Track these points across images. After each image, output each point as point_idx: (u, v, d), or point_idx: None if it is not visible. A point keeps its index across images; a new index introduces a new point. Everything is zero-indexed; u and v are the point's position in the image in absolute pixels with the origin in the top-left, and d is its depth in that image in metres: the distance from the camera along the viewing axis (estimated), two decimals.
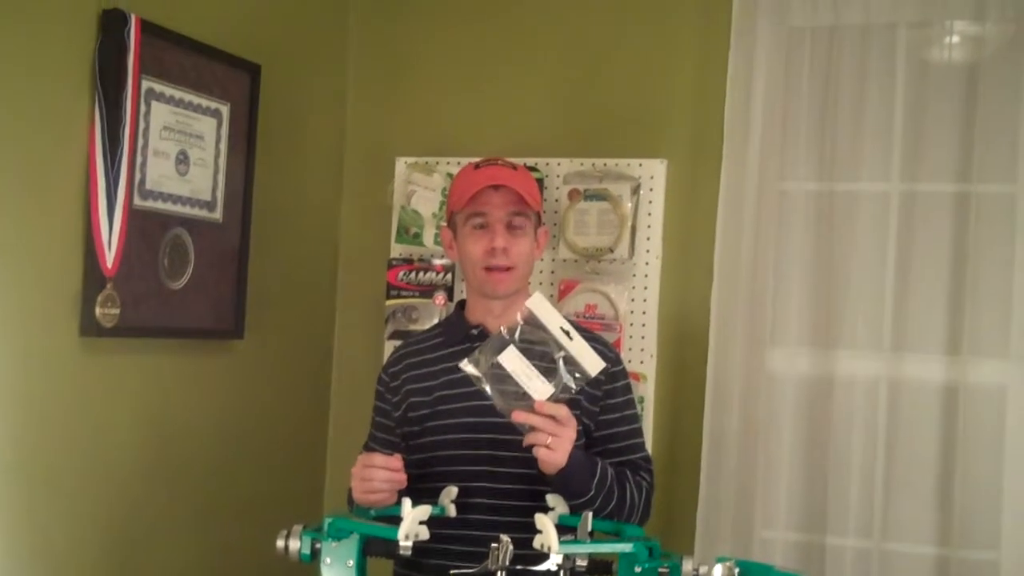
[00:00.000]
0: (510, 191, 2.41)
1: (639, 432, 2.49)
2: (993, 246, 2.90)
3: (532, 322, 2.16)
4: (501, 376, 2.15)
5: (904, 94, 3.00)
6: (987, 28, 2.94)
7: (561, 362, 2.16)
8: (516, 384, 2.15)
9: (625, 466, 2.39)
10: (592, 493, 2.25)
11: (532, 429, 2.16)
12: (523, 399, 2.15)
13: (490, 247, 2.39)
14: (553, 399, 2.16)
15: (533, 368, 2.15)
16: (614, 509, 2.29)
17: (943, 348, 2.95)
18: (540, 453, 2.17)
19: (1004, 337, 2.88)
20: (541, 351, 2.17)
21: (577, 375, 2.17)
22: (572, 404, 2.23)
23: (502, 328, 2.18)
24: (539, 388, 2.15)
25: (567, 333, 2.17)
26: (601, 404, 2.42)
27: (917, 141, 2.99)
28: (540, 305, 2.18)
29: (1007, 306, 2.87)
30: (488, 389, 2.16)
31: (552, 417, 2.16)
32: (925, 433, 2.95)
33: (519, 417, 2.15)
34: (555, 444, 2.16)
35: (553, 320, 2.17)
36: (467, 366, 2.18)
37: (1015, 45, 2.90)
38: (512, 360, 2.15)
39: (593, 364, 2.19)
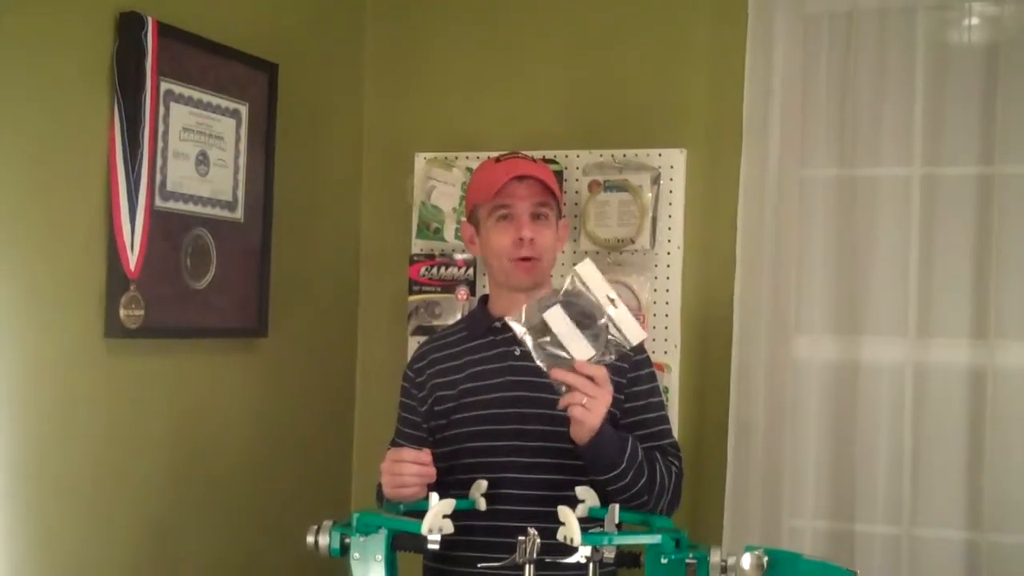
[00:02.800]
0: (534, 181, 2.41)
1: (666, 419, 2.49)
2: (1017, 227, 2.88)
3: (580, 286, 2.17)
4: (544, 335, 2.16)
5: (924, 77, 2.98)
6: (1006, 9, 2.92)
7: (603, 328, 2.17)
8: (557, 346, 2.16)
9: (654, 451, 2.39)
10: (623, 466, 2.24)
11: (569, 390, 2.16)
12: (563, 361, 2.16)
13: (517, 238, 2.40)
14: (593, 361, 2.16)
15: (576, 329, 2.16)
16: (644, 487, 2.29)
17: (969, 332, 2.93)
18: (576, 412, 2.17)
19: None
20: (586, 315, 2.17)
21: (617, 342, 2.17)
22: None
23: (546, 291, 2.18)
24: (581, 348, 2.16)
25: (612, 301, 2.18)
26: (626, 392, 2.42)
27: (938, 124, 2.97)
28: (589, 271, 2.20)
29: None
30: (530, 343, 2.17)
31: (590, 379, 2.16)
32: (952, 418, 2.94)
33: (557, 375, 2.16)
34: (591, 404, 2.17)
35: (600, 287, 2.19)
36: (511, 320, 2.19)
37: None
38: (557, 319, 2.16)
39: (635, 333, 2.21)
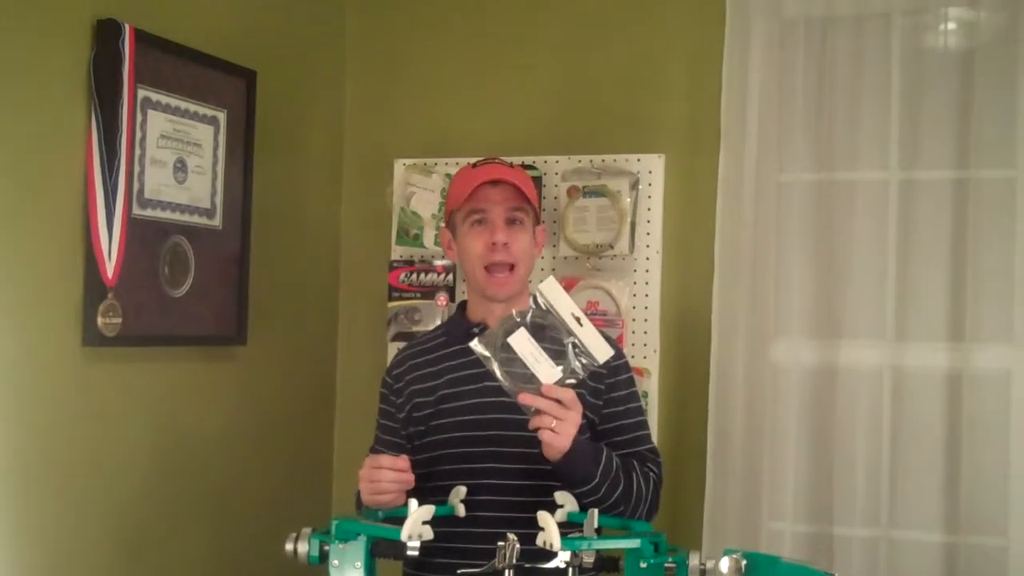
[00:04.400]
0: (508, 186, 2.42)
1: (644, 424, 2.50)
2: (993, 231, 2.90)
3: (543, 306, 2.17)
4: (510, 358, 2.17)
5: (900, 82, 3.00)
6: (981, 14, 2.93)
7: (570, 347, 2.18)
8: (524, 366, 2.16)
9: (632, 457, 2.39)
10: (597, 480, 2.25)
11: (538, 412, 2.17)
12: (530, 382, 2.16)
13: (490, 242, 2.40)
14: (560, 383, 2.17)
15: (542, 351, 2.16)
16: (621, 498, 2.29)
17: (946, 335, 2.94)
18: (544, 436, 2.18)
19: (1007, 322, 2.88)
20: (551, 335, 2.18)
21: (585, 361, 2.18)
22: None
23: (514, 311, 2.19)
24: (547, 371, 2.17)
25: (577, 319, 2.18)
26: (605, 397, 2.43)
27: (914, 129, 2.98)
28: (552, 289, 2.20)
29: (1009, 291, 2.87)
30: (496, 370, 2.17)
31: (558, 401, 2.17)
32: (930, 421, 2.95)
33: (525, 399, 2.16)
34: (559, 428, 2.17)
35: (564, 305, 2.19)
36: (477, 346, 2.19)
37: (1010, 30, 2.90)
38: (522, 342, 2.16)
39: (601, 351, 2.20)
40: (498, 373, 2.18)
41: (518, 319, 2.18)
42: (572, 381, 2.19)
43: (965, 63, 2.94)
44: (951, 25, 3.00)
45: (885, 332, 2.99)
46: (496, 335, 2.19)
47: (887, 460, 2.96)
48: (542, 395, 2.17)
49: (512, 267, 2.43)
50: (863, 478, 2.97)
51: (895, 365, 2.98)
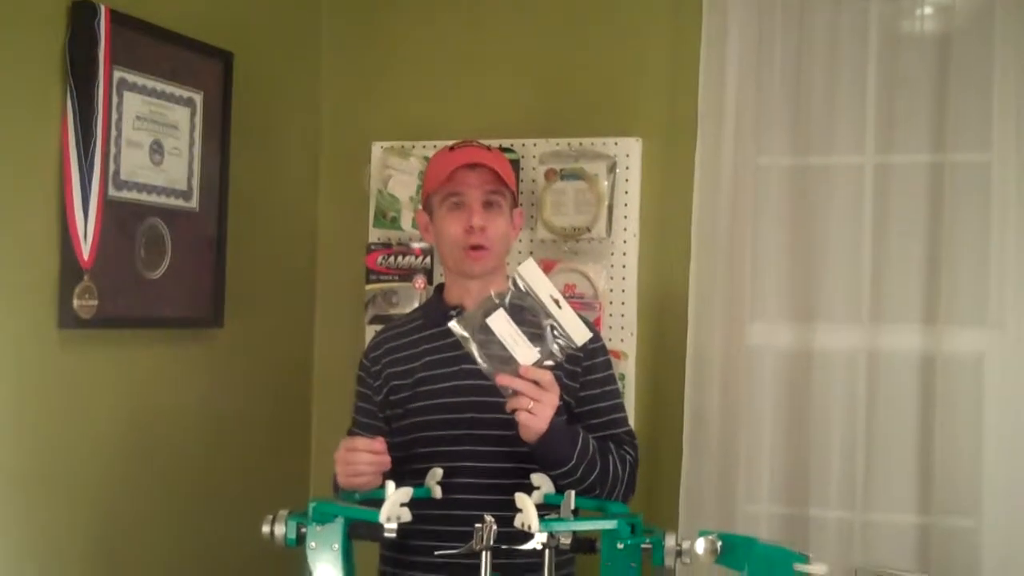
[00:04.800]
0: (485, 170, 2.42)
1: (621, 407, 2.51)
2: (968, 215, 2.91)
3: (522, 288, 2.18)
4: (488, 339, 2.17)
5: (877, 66, 3.01)
6: None
7: (548, 329, 2.18)
8: (503, 348, 2.17)
9: (609, 440, 2.40)
10: (574, 462, 2.26)
11: (515, 394, 2.17)
12: (508, 363, 2.17)
13: (468, 225, 2.40)
14: (538, 365, 2.18)
15: (520, 333, 2.17)
16: (597, 480, 2.30)
17: (921, 318, 2.95)
18: (521, 417, 2.19)
19: (981, 305, 2.89)
20: (530, 317, 2.18)
21: (562, 343, 2.19)
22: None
23: (492, 292, 2.20)
24: (525, 353, 2.17)
25: (556, 301, 2.19)
26: (581, 380, 2.43)
27: (891, 113, 2.99)
28: (531, 272, 2.20)
29: (984, 274, 2.88)
30: (475, 350, 2.18)
31: (535, 383, 2.17)
32: (904, 403, 2.96)
33: (503, 380, 2.17)
34: (537, 409, 2.18)
35: (543, 287, 2.20)
36: (455, 326, 2.20)
37: (986, 14, 2.90)
38: (500, 323, 2.17)
39: (580, 333, 2.21)
40: (476, 354, 2.18)
41: (497, 300, 2.19)
42: (550, 363, 2.20)
43: (941, 47, 2.95)
44: (928, 9, 3.01)
45: (860, 315, 3.00)
46: (475, 316, 2.19)
47: (862, 442, 2.98)
48: (520, 376, 2.17)
49: (488, 247, 2.43)
50: (838, 460, 2.98)
51: (870, 348, 2.99)
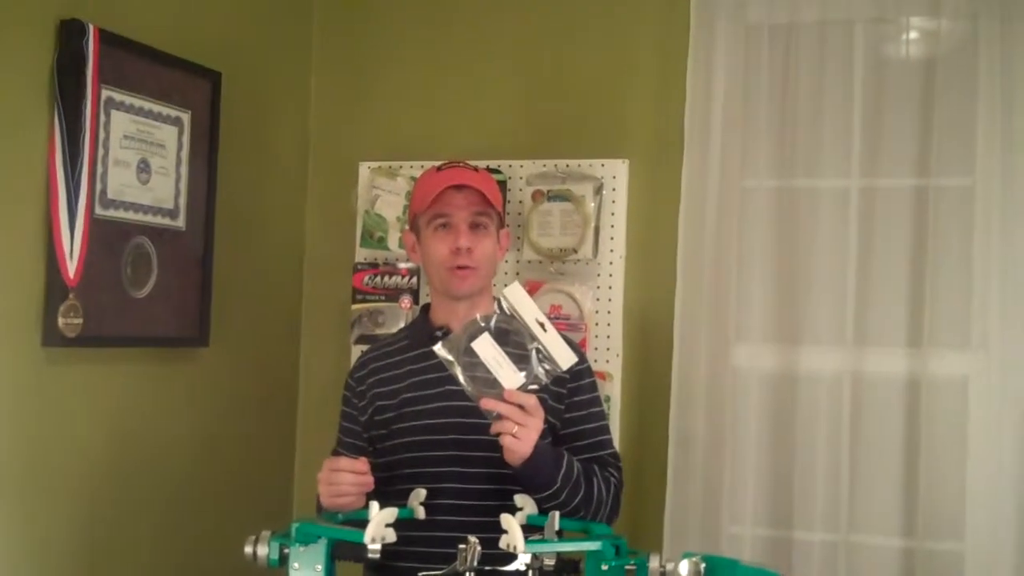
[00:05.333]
0: (472, 191, 2.42)
1: (606, 429, 2.50)
2: (952, 238, 2.93)
3: (508, 311, 2.18)
4: (473, 362, 2.17)
5: (862, 90, 3.03)
6: (943, 23, 2.97)
7: (533, 353, 2.18)
8: (487, 371, 2.16)
9: (593, 462, 2.40)
10: (558, 485, 2.26)
11: (500, 417, 2.17)
12: (493, 387, 2.17)
13: (454, 247, 2.40)
14: (523, 389, 2.18)
15: (505, 356, 2.17)
16: (581, 503, 2.30)
17: (905, 341, 2.97)
18: (506, 441, 2.18)
19: (965, 328, 2.91)
20: (515, 340, 2.18)
21: (548, 367, 2.19)
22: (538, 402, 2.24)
23: (478, 315, 2.20)
24: (510, 377, 2.17)
25: (541, 325, 2.19)
26: (567, 402, 2.43)
27: (876, 136, 3.01)
28: (517, 295, 2.20)
29: (967, 297, 2.90)
30: (459, 374, 2.18)
31: (520, 407, 2.18)
32: (889, 426, 2.98)
33: (487, 404, 2.17)
34: (521, 433, 2.18)
35: (528, 311, 2.19)
36: (440, 349, 2.20)
37: (971, 39, 2.93)
38: (485, 347, 2.17)
39: (565, 358, 2.21)
40: (461, 377, 2.18)
41: (482, 323, 2.19)
42: (535, 387, 2.20)
43: (926, 71, 2.98)
44: (913, 34, 3.03)
45: (845, 338, 3.01)
46: (460, 339, 2.19)
47: (846, 465, 2.99)
48: (504, 400, 2.17)
49: (474, 268, 2.43)
50: (823, 483, 2.99)
51: (855, 370, 3.00)
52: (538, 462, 2.22)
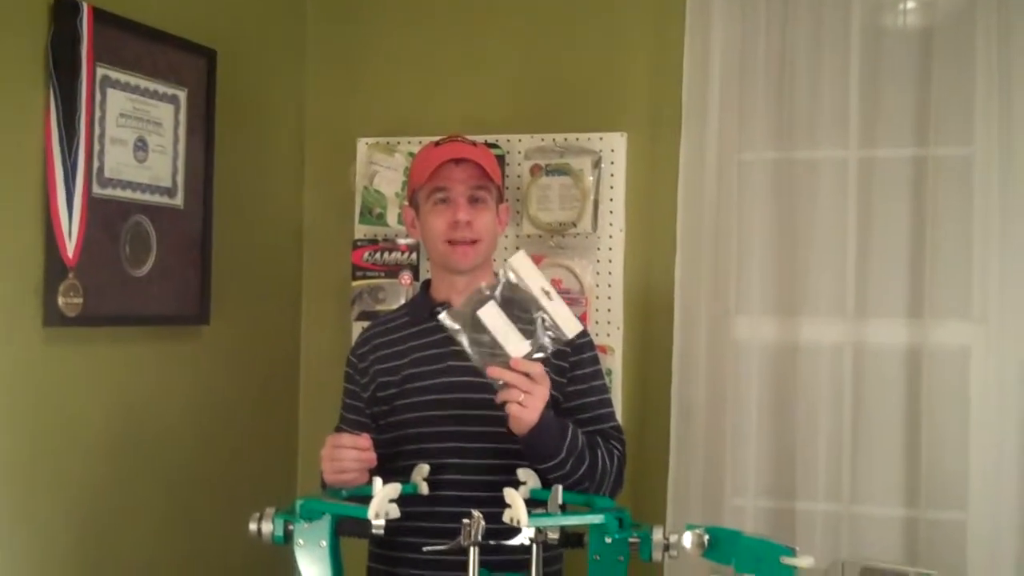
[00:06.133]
0: (471, 165, 2.41)
1: (609, 402, 2.51)
2: (952, 208, 2.92)
3: (513, 280, 2.18)
4: (478, 332, 2.17)
5: (859, 60, 3.01)
6: None
7: (539, 321, 2.18)
8: (493, 340, 2.16)
9: (596, 435, 2.40)
10: (563, 456, 2.26)
11: (506, 386, 2.17)
12: (499, 356, 2.17)
13: (453, 220, 2.40)
14: (528, 357, 2.18)
15: (511, 325, 2.17)
16: (585, 474, 2.30)
17: (906, 311, 2.96)
18: (512, 410, 2.18)
19: (966, 298, 2.91)
20: (520, 309, 2.18)
21: (553, 335, 2.18)
22: None
23: (483, 284, 2.20)
24: (516, 345, 2.17)
25: (547, 293, 2.19)
26: (569, 375, 2.43)
27: (874, 107, 3.00)
28: (523, 264, 2.20)
29: (967, 267, 2.90)
30: (465, 343, 2.17)
31: (526, 375, 2.17)
32: (890, 396, 2.97)
33: (494, 372, 2.17)
34: (527, 401, 2.18)
35: (534, 280, 2.19)
36: (446, 319, 2.19)
37: (968, 8, 2.92)
38: (491, 315, 2.17)
39: (571, 326, 2.21)
40: (467, 346, 2.18)
41: (487, 292, 2.18)
42: (540, 355, 2.20)
43: (924, 41, 2.96)
44: (910, 4, 3.02)
45: (846, 309, 3.01)
46: (465, 309, 2.19)
47: (848, 436, 2.99)
48: (511, 368, 2.17)
49: (474, 242, 2.43)
50: (825, 454, 2.99)
51: (856, 342, 3.00)
52: (543, 431, 2.22)
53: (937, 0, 2.96)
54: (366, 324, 2.76)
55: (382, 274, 3.33)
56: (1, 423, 2.52)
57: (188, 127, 3.01)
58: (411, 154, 3.23)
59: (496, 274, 2.23)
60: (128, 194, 2.82)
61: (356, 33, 3.54)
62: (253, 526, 2.11)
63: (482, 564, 2.00)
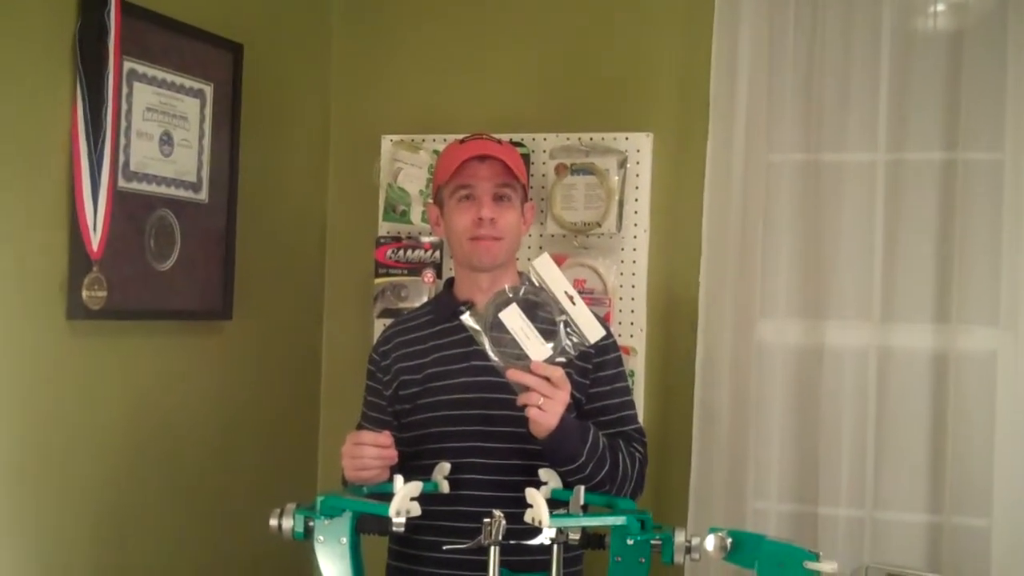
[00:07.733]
0: (496, 162, 2.40)
1: (631, 404, 2.49)
2: (980, 213, 2.90)
3: (536, 283, 2.17)
4: (500, 333, 2.16)
5: (889, 63, 3.00)
6: None
7: (561, 325, 2.17)
8: (514, 342, 2.15)
9: (618, 437, 2.39)
10: (583, 459, 2.25)
11: (526, 389, 2.16)
12: (520, 358, 2.16)
13: (477, 217, 2.39)
14: (550, 361, 2.17)
15: (533, 328, 2.16)
16: (606, 477, 2.29)
17: (932, 316, 2.95)
18: (532, 413, 2.17)
19: (993, 304, 2.88)
20: (543, 312, 2.17)
21: (575, 339, 2.17)
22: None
23: (506, 286, 2.19)
24: (537, 349, 2.16)
25: (570, 298, 2.18)
26: (592, 377, 2.42)
27: (903, 110, 2.98)
28: (546, 267, 2.19)
29: (995, 273, 2.88)
30: (486, 344, 2.17)
31: (547, 379, 2.16)
32: (916, 402, 2.96)
33: (514, 376, 2.16)
34: (547, 405, 2.17)
35: (558, 283, 2.18)
36: (467, 319, 2.19)
37: (999, 11, 2.90)
38: (513, 318, 2.16)
39: (593, 331, 2.20)
40: (487, 347, 2.17)
41: (510, 294, 2.18)
42: (562, 360, 2.19)
43: (954, 44, 2.94)
44: (940, 6, 3.00)
45: (871, 313, 2.99)
46: (488, 310, 2.18)
47: (872, 441, 2.97)
48: (531, 372, 2.16)
49: (498, 239, 2.41)
50: (848, 458, 2.97)
51: (881, 346, 2.98)
52: (564, 435, 2.21)
53: (968, 4, 2.94)
54: (388, 322, 2.76)
55: (405, 272, 3.33)
56: (24, 415, 2.52)
57: (214, 122, 3.01)
58: (436, 151, 3.22)
59: (520, 275, 2.22)
60: (153, 188, 2.82)
61: (382, 29, 3.53)
62: (273, 522, 2.11)
63: (503, 564, 1.99)
